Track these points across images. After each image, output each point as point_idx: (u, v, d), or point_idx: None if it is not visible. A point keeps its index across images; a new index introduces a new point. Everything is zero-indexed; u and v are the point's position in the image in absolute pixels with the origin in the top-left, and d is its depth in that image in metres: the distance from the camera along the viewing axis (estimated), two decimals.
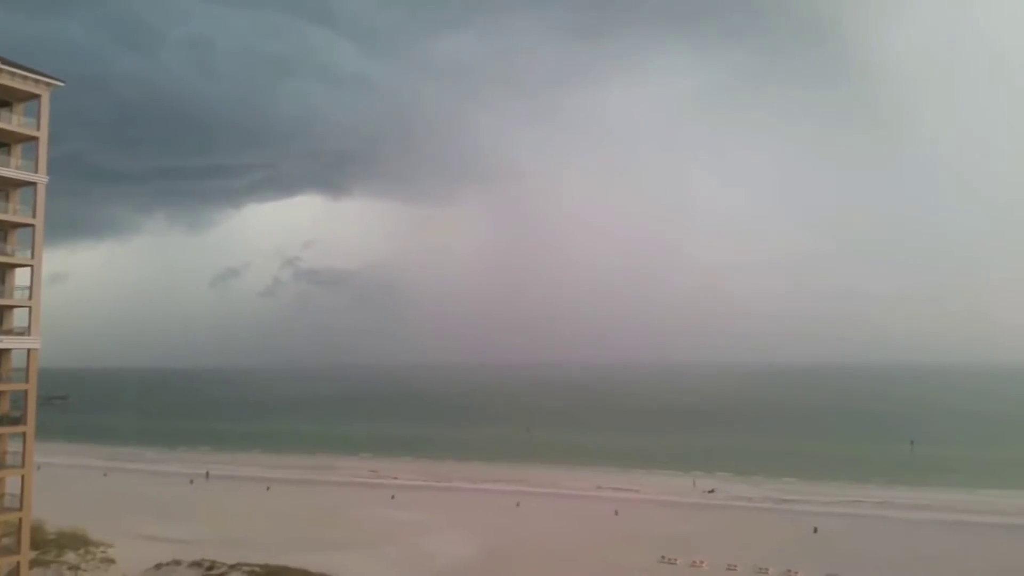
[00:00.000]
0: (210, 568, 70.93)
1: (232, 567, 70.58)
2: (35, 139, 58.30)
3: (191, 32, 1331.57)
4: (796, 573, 74.85)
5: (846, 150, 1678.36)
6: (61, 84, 58.93)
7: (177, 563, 72.91)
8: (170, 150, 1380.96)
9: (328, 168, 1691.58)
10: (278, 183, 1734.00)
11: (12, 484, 58.50)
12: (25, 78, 56.71)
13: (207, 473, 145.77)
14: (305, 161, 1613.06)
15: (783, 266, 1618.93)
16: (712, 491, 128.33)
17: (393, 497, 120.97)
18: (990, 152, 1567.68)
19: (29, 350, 58.21)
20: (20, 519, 57.41)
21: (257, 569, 70.05)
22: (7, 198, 58.00)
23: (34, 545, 64.48)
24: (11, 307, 59.02)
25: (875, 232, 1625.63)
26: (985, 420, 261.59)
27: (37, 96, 57.99)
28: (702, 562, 78.11)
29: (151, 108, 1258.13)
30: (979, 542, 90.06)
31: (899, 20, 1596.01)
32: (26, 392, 58.14)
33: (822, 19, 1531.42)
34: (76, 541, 78.84)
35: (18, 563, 57.42)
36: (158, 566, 72.53)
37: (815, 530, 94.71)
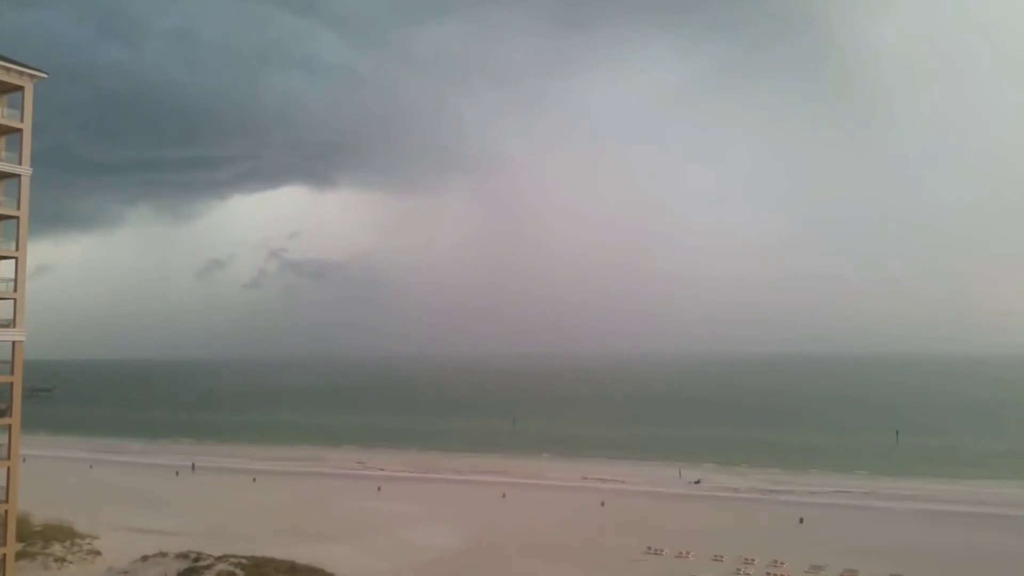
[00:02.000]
0: (196, 560, 70.74)
1: (218, 559, 70.44)
2: (19, 131, 57.92)
3: (175, 24, 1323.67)
4: (782, 563, 75.42)
5: (828, 139, 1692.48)
6: (44, 76, 58.50)
7: (163, 555, 72.68)
8: (154, 141, 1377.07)
9: (313, 159, 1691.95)
10: (263, 174, 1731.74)
11: None
12: (8, 70, 56.27)
13: (193, 465, 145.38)
14: (290, 152, 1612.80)
15: (766, 255, 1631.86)
16: (698, 482, 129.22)
17: (379, 488, 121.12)
18: (972, 141, 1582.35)
19: (14, 342, 57.94)
20: (6, 511, 57.26)
21: (244, 561, 69.97)
22: None
23: (20, 537, 64.35)
24: None
25: (858, 220, 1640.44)
26: (970, 410, 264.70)
27: (20, 88, 57.56)
28: (688, 553, 78.66)
29: (135, 100, 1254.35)
30: (964, 532, 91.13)
31: (880, 10, 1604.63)
32: (11, 384, 57.93)
33: (804, 10, 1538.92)
34: (62, 533, 78.88)
35: (4, 555, 57.32)
36: (144, 558, 72.28)
37: (801, 520, 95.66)
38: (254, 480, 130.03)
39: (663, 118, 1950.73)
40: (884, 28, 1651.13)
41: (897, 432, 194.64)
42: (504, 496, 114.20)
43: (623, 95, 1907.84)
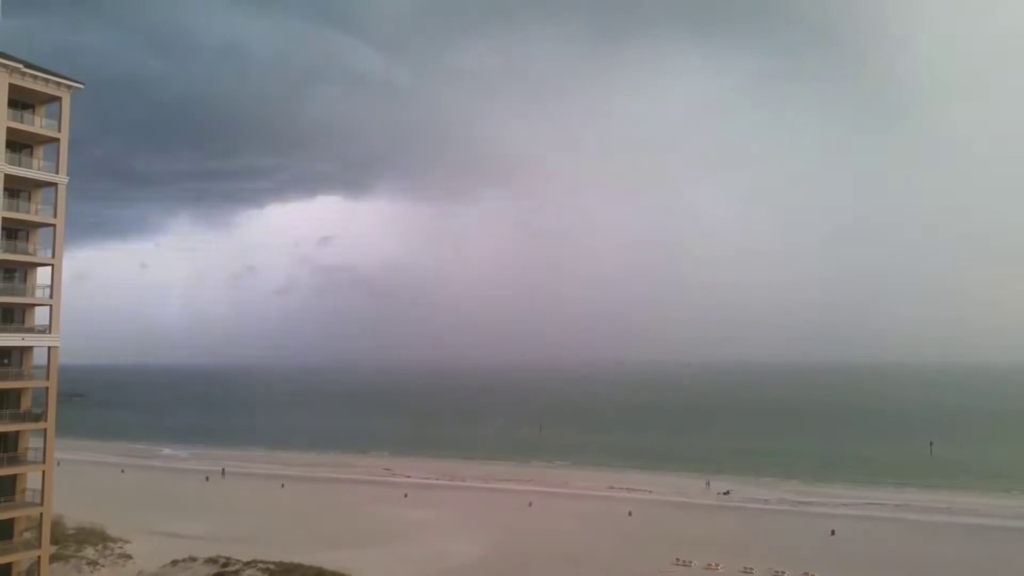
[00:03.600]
0: (225, 565, 71.40)
1: (247, 564, 71.01)
2: (56, 141, 59.08)
3: (222, 39, 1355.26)
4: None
5: (859, 150, 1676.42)
6: (80, 87, 59.64)
7: (193, 559, 73.49)
8: (200, 153, 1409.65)
9: (349, 168, 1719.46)
10: (300, 183, 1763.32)
11: (33, 480, 59.29)
12: (47, 81, 57.46)
13: (223, 470, 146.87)
14: (328, 162, 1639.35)
15: (796, 262, 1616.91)
16: (727, 492, 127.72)
17: (406, 495, 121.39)
18: (1004, 150, 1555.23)
19: (50, 348, 58.93)
20: (41, 514, 58.18)
21: (272, 566, 70.46)
22: (29, 198, 58.79)
23: (54, 540, 65.33)
24: (33, 305, 59.80)
25: (890, 227, 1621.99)
26: (1007, 420, 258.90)
27: (58, 99, 58.74)
28: (717, 565, 77.74)
29: (183, 112, 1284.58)
30: (1001, 547, 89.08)
31: (913, 23, 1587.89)
32: (46, 389, 58.94)
33: (836, 23, 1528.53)
34: (95, 537, 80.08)
35: (38, 558, 58.20)
36: (174, 562, 73.10)
37: (832, 532, 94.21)
38: (282, 486, 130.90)
39: (695, 130, 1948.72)
40: (917, 37, 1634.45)
41: (931, 443, 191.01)
42: (530, 504, 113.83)
43: (655, 107, 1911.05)
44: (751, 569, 76.37)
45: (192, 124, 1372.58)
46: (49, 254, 58.92)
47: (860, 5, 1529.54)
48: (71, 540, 77.35)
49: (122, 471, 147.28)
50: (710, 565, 77.72)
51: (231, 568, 70.36)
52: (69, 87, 59.02)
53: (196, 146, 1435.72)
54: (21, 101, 57.54)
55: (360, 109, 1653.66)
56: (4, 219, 55.94)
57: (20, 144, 58.32)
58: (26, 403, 59.39)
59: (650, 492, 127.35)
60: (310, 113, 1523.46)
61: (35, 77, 56.72)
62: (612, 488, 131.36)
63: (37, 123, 58.37)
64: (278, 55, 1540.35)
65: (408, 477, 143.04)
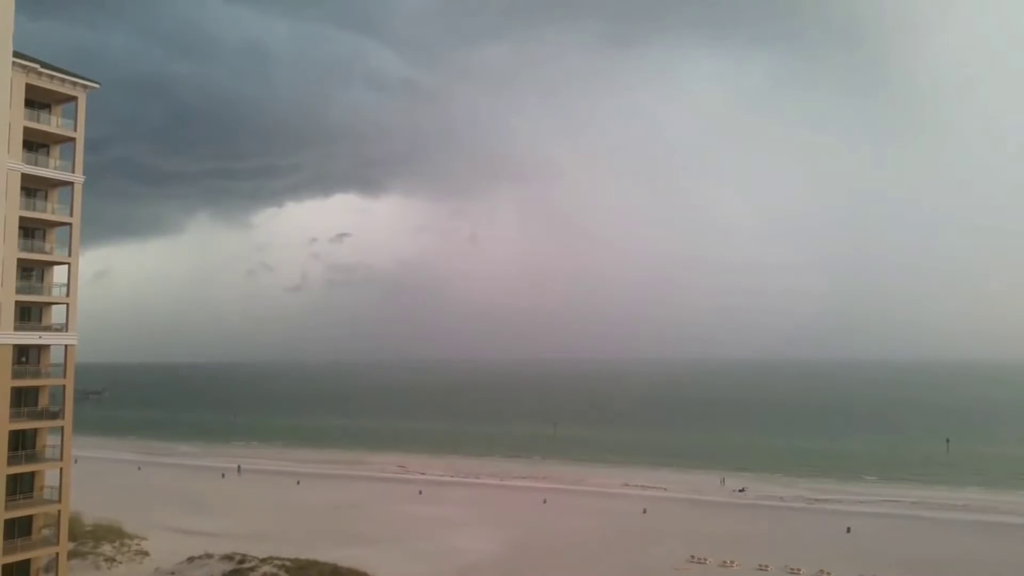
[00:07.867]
0: (241, 562, 71.71)
1: (263, 560, 71.30)
2: (72, 140, 59.37)
3: (245, 41, 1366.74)
4: (829, 573, 73.99)
5: (877, 153, 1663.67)
6: (96, 86, 59.94)
7: (209, 556, 73.88)
8: (221, 152, 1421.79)
9: (366, 167, 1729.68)
10: (318, 182, 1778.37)
11: (51, 477, 59.73)
12: (63, 81, 57.75)
13: (239, 467, 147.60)
14: (346, 161, 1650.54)
15: (813, 265, 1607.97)
16: (743, 490, 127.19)
17: (421, 493, 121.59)
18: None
19: (66, 346, 59.31)
20: (58, 511, 58.60)
21: (287, 563, 70.71)
22: (46, 197, 59.17)
23: (72, 537, 65.89)
24: (49, 304, 60.22)
25: (907, 231, 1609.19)
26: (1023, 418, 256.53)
27: (74, 98, 59.04)
28: (733, 562, 77.42)
29: (203, 112, 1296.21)
30: (1019, 544, 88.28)
31: (931, 26, 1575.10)
32: (64, 387, 59.34)
33: (853, 26, 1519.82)
34: (112, 533, 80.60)
35: (57, 554, 58.64)
36: (191, 559, 73.55)
37: (848, 530, 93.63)
38: (298, 483, 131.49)
39: (711, 132, 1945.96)
40: (936, 43, 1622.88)
41: (948, 440, 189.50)
42: (545, 502, 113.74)
43: (669, 109, 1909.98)
44: (767, 566, 75.96)
45: (213, 124, 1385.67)
46: (66, 253, 59.28)
47: (876, 7, 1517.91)
48: (89, 537, 77.93)
49: (139, 468, 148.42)
50: (725, 562, 77.39)
51: (247, 565, 70.66)
52: (85, 87, 59.33)
53: (216, 145, 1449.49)
54: (38, 101, 57.92)
55: (378, 109, 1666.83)
56: (21, 218, 56.29)
57: (37, 143, 58.70)
58: (43, 401, 59.82)
59: (665, 489, 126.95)
60: (329, 113, 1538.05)
61: (51, 77, 57.04)
62: (627, 485, 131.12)
63: (53, 123, 58.70)
64: (298, 56, 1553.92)
65: (422, 474, 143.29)
